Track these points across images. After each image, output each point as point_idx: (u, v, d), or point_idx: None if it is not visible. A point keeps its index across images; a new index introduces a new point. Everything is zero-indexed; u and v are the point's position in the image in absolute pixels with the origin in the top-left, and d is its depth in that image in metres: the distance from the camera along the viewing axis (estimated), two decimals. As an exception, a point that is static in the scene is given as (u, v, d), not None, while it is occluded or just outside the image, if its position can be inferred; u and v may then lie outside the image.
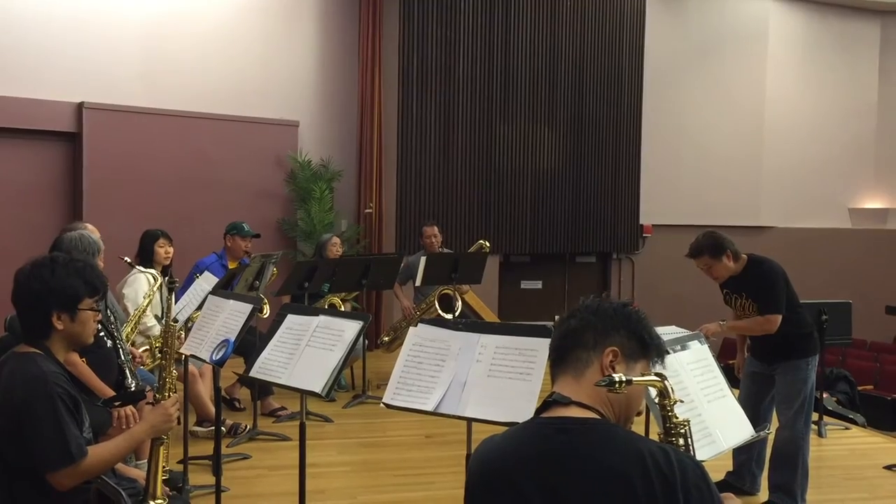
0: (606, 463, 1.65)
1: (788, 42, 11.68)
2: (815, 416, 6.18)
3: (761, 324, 4.38)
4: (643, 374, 1.83)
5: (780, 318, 4.35)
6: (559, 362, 1.87)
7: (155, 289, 5.17)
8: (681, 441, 1.89)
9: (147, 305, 5.06)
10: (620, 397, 1.79)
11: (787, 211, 11.47)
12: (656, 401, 1.83)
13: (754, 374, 4.57)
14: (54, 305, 2.56)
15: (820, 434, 6.04)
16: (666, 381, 1.79)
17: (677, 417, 1.83)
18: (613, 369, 1.79)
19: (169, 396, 2.91)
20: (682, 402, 1.87)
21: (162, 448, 2.76)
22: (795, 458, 4.38)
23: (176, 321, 4.85)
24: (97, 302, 2.71)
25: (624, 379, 1.71)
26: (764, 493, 4.54)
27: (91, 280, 2.65)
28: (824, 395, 6.52)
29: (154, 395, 3.04)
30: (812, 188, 11.79)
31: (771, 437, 4.48)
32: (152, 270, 5.34)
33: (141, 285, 5.26)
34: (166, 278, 5.04)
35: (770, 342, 4.45)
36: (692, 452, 1.90)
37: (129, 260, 5.24)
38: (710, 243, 4.43)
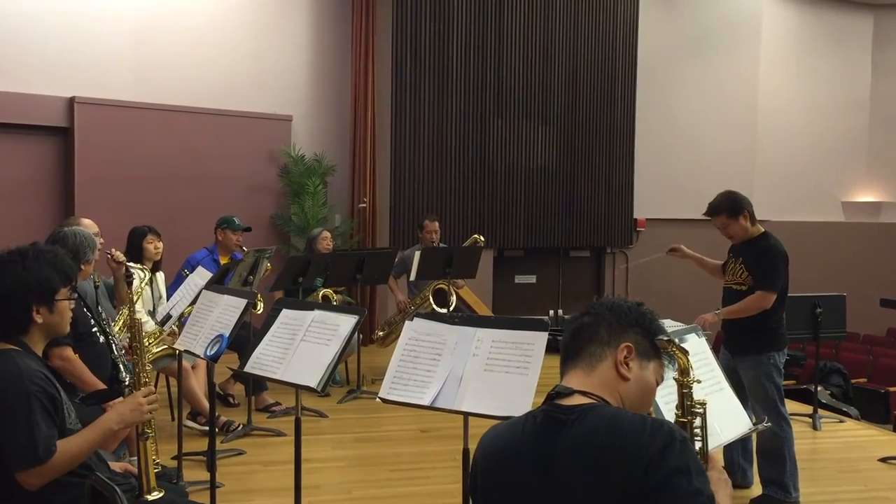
0: (596, 444, 1.67)
1: (782, 36, 11.68)
2: (809, 409, 6.24)
3: (755, 301, 4.33)
4: (657, 375, 1.86)
5: (773, 296, 4.32)
6: (572, 358, 1.86)
7: (143, 284, 5.12)
8: (697, 421, 1.89)
9: (138, 299, 5.01)
10: (633, 392, 1.81)
11: (781, 204, 11.47)
12: (675, 377, 1.85)
13: (726, 367, 4.52)
14: (33, 300, 2.53)
15: (814, 427, 6.06)
16: (688, 357, 1.83)
17: (693, 397, 1.86)
18: (627, 365, 1.81)
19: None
20: (699, 381, 1.88)
21: (149, 442, 2.73)
22: (781, 452, 4.39)
23: (151, 314, 4.81)
24: (71, 290, 2.69)
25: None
26: (757, 488, 4.55)
27: (63, 269, 2.63)
28: (818, 389, 6.54)
29: (129, 391, 3.00)
30: (805, 182, 11.81)
31: (754, 434, 4.47)
32: (139, 266, 5.29)
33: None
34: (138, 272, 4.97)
35: (739, 328, 4.41)
36: (706, 434, 1.93)
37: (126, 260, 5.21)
38: (728, 203, 4.43)
